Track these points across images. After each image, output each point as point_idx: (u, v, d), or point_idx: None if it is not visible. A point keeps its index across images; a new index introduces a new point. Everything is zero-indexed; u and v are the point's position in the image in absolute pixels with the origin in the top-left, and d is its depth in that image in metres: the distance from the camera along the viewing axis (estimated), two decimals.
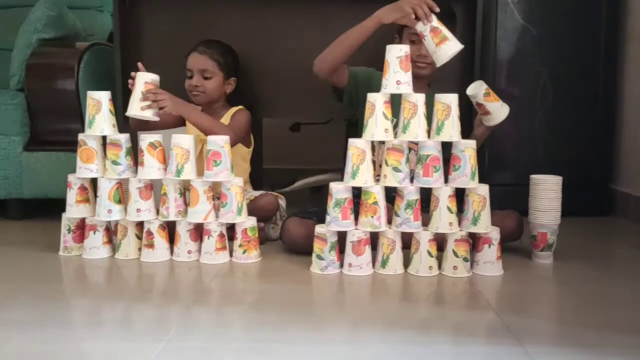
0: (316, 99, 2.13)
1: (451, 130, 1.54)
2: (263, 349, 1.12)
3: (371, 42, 1.90)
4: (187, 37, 2.03)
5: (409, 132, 1.54)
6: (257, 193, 1.92)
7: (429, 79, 1.87)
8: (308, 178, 2.60)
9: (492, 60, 2.21)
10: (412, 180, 1.56)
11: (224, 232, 1.66)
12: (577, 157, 2.26)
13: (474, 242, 1.59)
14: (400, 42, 1.81)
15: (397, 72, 1.53)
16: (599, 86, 2.25)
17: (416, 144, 1.59)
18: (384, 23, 1.65)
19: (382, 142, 1.62)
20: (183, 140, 1.64)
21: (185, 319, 1.28)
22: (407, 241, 1.57)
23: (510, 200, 1.84)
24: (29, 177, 2.12)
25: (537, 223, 1.66)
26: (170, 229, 1.68)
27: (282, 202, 1.95)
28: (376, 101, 1.54)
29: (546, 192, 1.66)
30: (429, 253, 1.55)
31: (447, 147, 1.57)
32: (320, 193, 2.54)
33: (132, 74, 1.72)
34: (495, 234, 1.57)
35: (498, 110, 1.67)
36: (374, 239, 1.58)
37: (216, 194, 1.72)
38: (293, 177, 2.59)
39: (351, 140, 1.55)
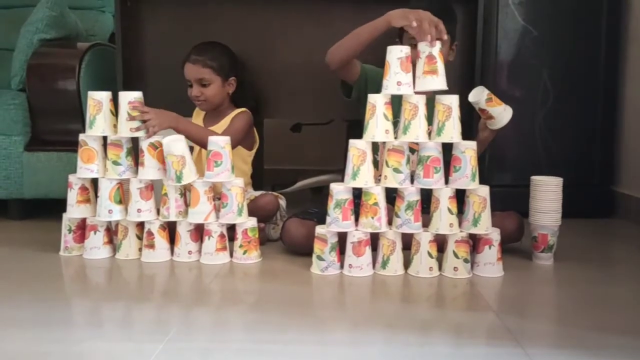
0: (317, 99, 2.13)
1: (452, 131, 1.54)
2: (263, 350, 1.12)
3: (372, 43, 1.90)
4: (188, 38, 2.03)
5: (409, 133, 1.54)
6: (258, 193, 1.92)
7: None
8: (309, 179, 2.60)
9: (492, 61, 2.20)
10: (412, 181, 1.56)
11: (225, 232, 1.66)
12: (577, 158, 2.26)
13: (475, 243, 1.59)
14: (401, 44, 1.81)
15: (397, 73, 1.53)
16: (600, 87, 2.25)
17: (417, 144, 1.59)
18: (392, 26, 1.65)
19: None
20: (175, 148, 1.62)
21: (185, 319, 1.28)
22: (408, 242, 1.57)
23: (510, 202, 1.84)
24: (30, 177, 2.12)
25: (537, 224, 1.66)
26: (170, 229, 1.68)
27: (283, 202, 1.95)
28: (377, 102, 1.54)
29: (547, 194, 1.65)
30: (430, 254, 1.55)
31: (447, 148, 1.57)
32: (321, 194, 2.54)
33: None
34: (495, 235, 1.57)
35: (501, 114, 1.67)
36: (374, 240, 1.58)
37: (217, 194, 1.72)
38: (294, 178, 2.59)
39: (352, 141, 1.55)
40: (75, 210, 1.70)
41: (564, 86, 2.23)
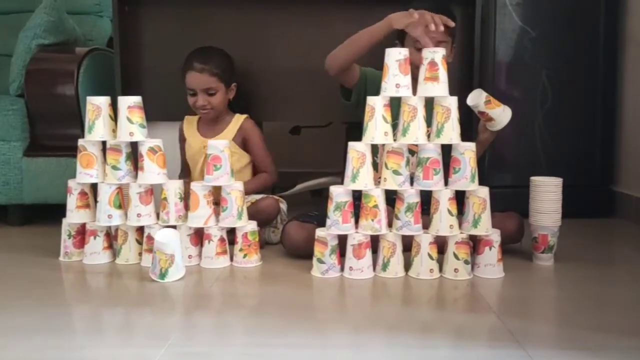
0: (316, 102, 2.13)
1: (451, 132, 1.54)
2: (264, 354, 1.12)
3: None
4: (186, 42, 2.03)
5: (408, 135, 1.54)
6: (258, 196, 1.92)
7: None
8: (308, 181, 2.60)
9: (490, 62, 2.21)
10: (412, 183, 1.56)
11: (225, 236, 1.66)
12: (577, 159, 2.26)
13: (475, 244, 1.59)
14: (401, 47, 1.81)
15: (396, 75, 1.53)
16: (599, 87, 2.25)
17: (417, 146, 1.59)
18: (394, 28, 1.65)
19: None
20: (166, 247, 1.51)
21: (186, 323, 1.28)
22: (408, 244, 1.57)
23: (510, 203, 1.83)
24: (29, 183, 2.12)
25: (537, 225, 1.66)
26: None
27: (283, 205, 1.95)
28: (375, 104, 1.54)
29: (547, 194, 1.65)
30: (430, 256, 1.55)
31: (446, 150, 1.56)
32: (321, 196, 2.54)
33: None
34: (495, 236, 1.57)
35: (501, 116, 1.68)
36: (374, 242, 1.58)
37: (217, 199, 1.72)
38: (293, 181, 2.59)
39: (351, 144, 1.55)
40: (74, 216, 1.70)
41: (563, 86, 2.24)
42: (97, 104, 1.67)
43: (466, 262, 1.55)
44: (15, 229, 2.15)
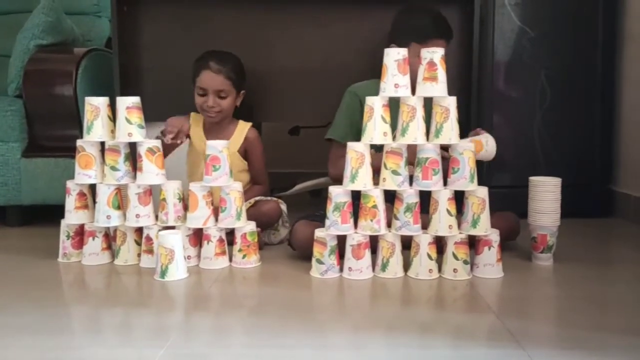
0: (315, 102, 2.13)
1: (450, 132, 1.54)
2: (263, 354, 1.12)
3: (370, 46, 1.90)
4: (185, 43, 2.03)
5: (407, 135, 1.54)
6: (258, 197, 1.91)
7: None
8: (307, 181, 2.60)
9: (489, 62, 2.20)
10: (411, 183, 1.56)
11: (224, 237, 1.66)
12: (576, 159, 2.26)
13: (474, 244, 1.59)
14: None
15: (395, 75, 1.53)
16: (598, 87, 2.25)
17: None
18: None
19: (379, 150, 1.60)
20: (166, 240, 1.52)
21: (185, 324, 1.28)
22: (407, 242, 1.57)
23: (509, 202, 1.84)
24: (28, 184, 2.11)
25: (536, 225, 1.66)
26: None
27: (284, 207, 1.94)
28: (374, 104, 1.54)
29: (545, 194, 1.65)
30: (429, 256, 1.54)
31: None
32: (320, 196, 2.54)
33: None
34: (495, 236, 1.57)
35: (488, 153, 1.70)
36: (373, 243, 1.57)
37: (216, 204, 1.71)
38: (292, 181, 2.59)
39: (350, 144, 1.55)
40: (73, 216, 1.70)
41: (562, 86, 2.24)
42: (95, 105, 1.67)
43: (465, 262, 1.55)
44: (13, 229, 2.14)
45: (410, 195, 1.54)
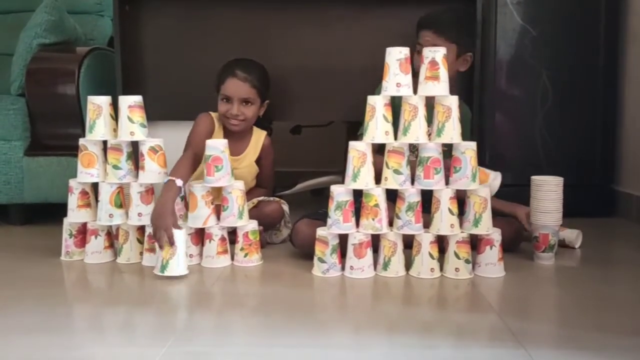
0: (317, 101, 2.13)
1: (452, 132, 1.54)
2: (265, 353, 1.12)
3: (373, 46, 1.90)
4: (187, 42, 2.04)
5: (409, 134, 1.54)
6: (261, 198, 1.92)
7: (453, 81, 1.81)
8: (309, 180, 2.60)
9: (491, 61, 2.20)
10: (413, 182, 1.56)
11: (226, 235, 1.66)
12: (578, 158, 2.26)
13: (476, 243, 1.59)
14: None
15: (397, 75, 1.53)
16: (599, 86, 2.25)
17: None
18: None
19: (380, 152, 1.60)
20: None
21: (187, 323, 1.28)
22: (409, 241, 1.57)
23: (510, 202, 1.84)
24: (30, 182, 2.12)
25: (538, 224, 1.66)
26: None
27: (286, 207, 1.94)
28: (376, 104, 1.54)
29: (548, 193, 1.65)
30: (431, 255, 1.55)
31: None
32: (322, 195, 2.54)
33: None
34: (496, 235, 1.57)
35: (492, 186, 1.70)
36: (375, 242, 1.58)
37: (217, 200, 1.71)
38: (294, 180, 2.59)
39: (352, 143, 1.55)
40: (75, 215, 1.70)
41: (564, 85, 2.23)
42: (98, 104, 1.67)
43: (467, 261, 1.55)
44: (16, 228, 2.15)
45: (412, 195, 1.54)
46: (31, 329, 1.22)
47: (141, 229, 1.69)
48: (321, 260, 1.56)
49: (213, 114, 1.93)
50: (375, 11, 1.82)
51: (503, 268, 1.58)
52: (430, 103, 1.57)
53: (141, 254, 1.69)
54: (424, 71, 1.53)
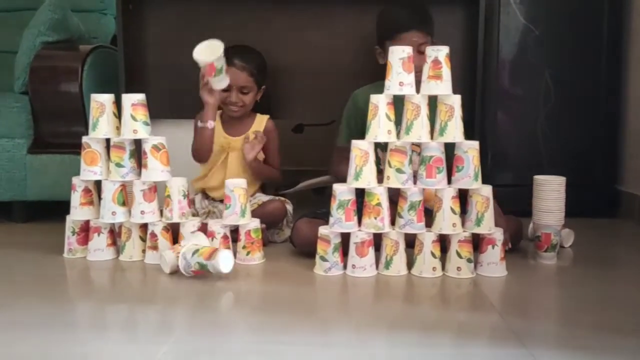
0: (319, 100, 2.13)
1: (454, 131, 1.54)
2: (267, 351, 1.12)
3: (374, 45, 1.90)
4: (190, 40, 2.03)
5: (412, 133, 1.54)
6: (265, 198, 1.92)
7: None
8: (311, 179, 2.60)
9: (494, 60, 2.20)
10: (415, 181, 1.56)
11: (228, 234, 1.67)
12: (581, 158, 2.25)
13: (478, 243, 1.59)
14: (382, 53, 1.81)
15: (400, 74, 1.53)
16: (602, 86, 2.25)
17: (418, 145, 1.59)
18: None
19: (384, 150, 1.60)
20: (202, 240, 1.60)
21: (189, 320, 1.29)
22: (411, 240, 1.57)
23: (512, 201, 1.83)
24: (33, 180, 2.12)
25: (541, 224, 1.66)
26: (174, 230, 1.68)
27: (289, 207, 1.94)
28: (379, 102, 1.54)
29: (550, 193, 1.65)
30: (433, 254, 1.55)
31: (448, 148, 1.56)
32: (323, 194, 2.54)
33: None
34: (499, 234, 1.57)
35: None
36: (377, 240, 1.58)
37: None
38: (296, 179, 2.59)
39: (354, 142, 1.55)
40: (78, 213, 1.70)
41: (566, 85, 2.23)
42: (101, 102, 1.68)
43: (469, 260, 1.55)
44: (19, 225, 2.16)
45: (414, 194, 1.54)
46: (33, 325, 1.23)
47: (144, 226, 1.69)
48: (323, 259, 1.57)
49: None
50: (376, 11, 1.82)
51: (505, 267, 1.58)
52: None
53: (144, 251, 1.69)
54: (426, 70, 1.53)
